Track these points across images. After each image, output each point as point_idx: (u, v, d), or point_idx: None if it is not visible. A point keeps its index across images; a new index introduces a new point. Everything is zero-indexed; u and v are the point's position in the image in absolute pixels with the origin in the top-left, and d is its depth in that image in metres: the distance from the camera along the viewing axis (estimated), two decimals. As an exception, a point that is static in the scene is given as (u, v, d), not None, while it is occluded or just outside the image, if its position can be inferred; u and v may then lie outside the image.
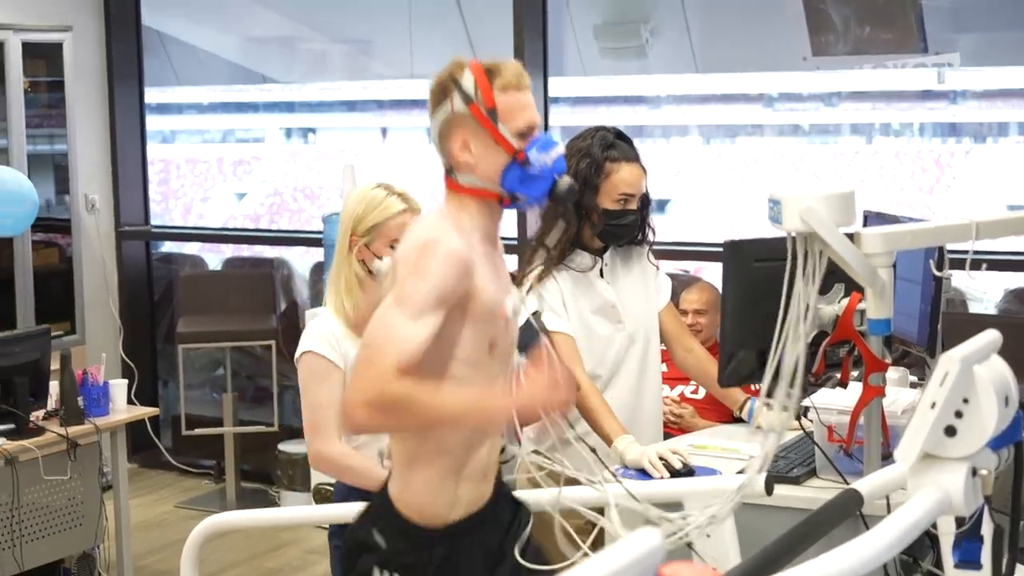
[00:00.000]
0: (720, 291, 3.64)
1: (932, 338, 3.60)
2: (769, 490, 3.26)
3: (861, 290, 3.03)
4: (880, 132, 20.88)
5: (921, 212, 18.83)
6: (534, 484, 2.96)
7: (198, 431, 7.46)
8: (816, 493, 3.37)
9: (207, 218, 19.66)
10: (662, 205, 19.63)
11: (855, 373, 3.25)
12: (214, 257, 9.40)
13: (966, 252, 2.98)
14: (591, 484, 2.90)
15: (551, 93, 7.00)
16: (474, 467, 2.80)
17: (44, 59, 7.22)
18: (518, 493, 3.00)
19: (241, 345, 7.54)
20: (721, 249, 3.44)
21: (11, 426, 5.35)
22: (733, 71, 13.23)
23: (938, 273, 3.23)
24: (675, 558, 1.60)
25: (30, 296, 7.03)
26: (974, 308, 6.73)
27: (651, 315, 4.15)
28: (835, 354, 3.23)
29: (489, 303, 2.71)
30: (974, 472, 2.14)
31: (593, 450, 3.14)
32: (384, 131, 20.61)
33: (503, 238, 2.88)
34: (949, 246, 3.20)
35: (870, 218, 4.01)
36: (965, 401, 2.12)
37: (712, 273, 6.05)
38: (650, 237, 4.14)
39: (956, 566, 2.27)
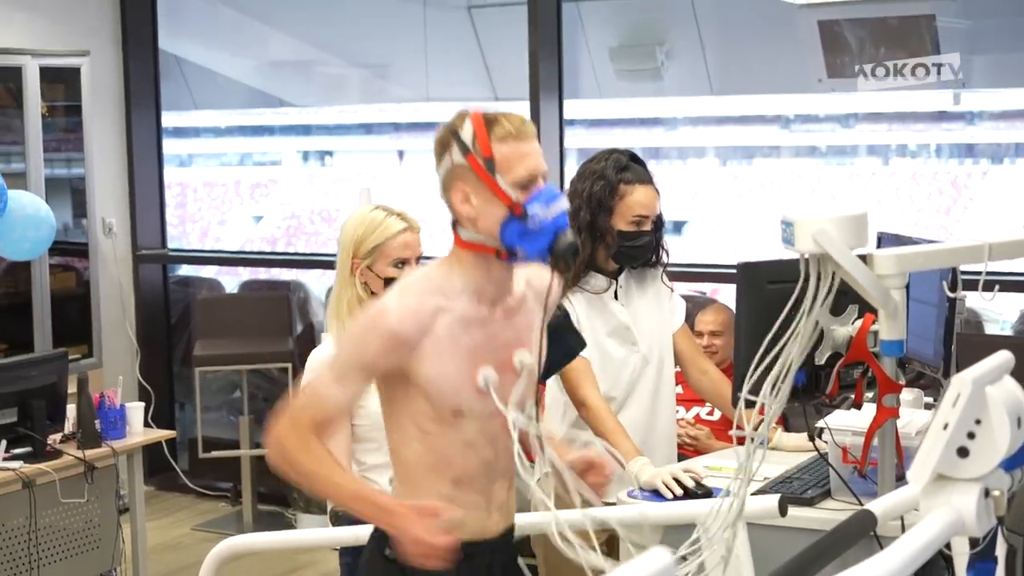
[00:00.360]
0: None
1: (946, 359, 3.60)
2: (783, 511, 3.26)
3: (875, 311, 3.03)
4: (897, 153, 20.86)
5: (938, 233, 18.82)
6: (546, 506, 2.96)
7: (215, 454, 7.46)
8: (830, 514, 3.37)
9: (224, 241, 19.70)
10: (679, 227, 19.61)
11: (869, 394, 3.25)
12: (231, 280, 9.43)
13: (980, 273, 2.98)
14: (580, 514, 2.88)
15: (566, 115, 7.00)
16: (469, 502, 2.78)
17: (62, 84, 7.25)
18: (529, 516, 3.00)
19: (258, 368, 7.55)
20: (735, 271, 3.44)
21: (28, 449, 5.37)
22: (748, 93, 13.23)
23: (951, 294, 3.24)
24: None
25: (47, 319, 7.06)
26: (990, 329, 6.72)
27: (665, 337, 4.15)
28: (849, 375, 3.23)
29: (442, 379, 2.67)
30: (987, 493, 2.14)
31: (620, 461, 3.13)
32: (401, 154, 20.65)
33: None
34: (964, 267, 3.20)
35: (885, 239, 4.01)
36: (977, 422, 2.12)
37: (728, 295, 6.06)
38: (664, 259, 4.15)
39: (970, 587, 2.28)
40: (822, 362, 3.20)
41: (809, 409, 3.36)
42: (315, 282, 8.66)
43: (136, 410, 5.88)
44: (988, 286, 3.03)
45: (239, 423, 7.45)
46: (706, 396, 4.37)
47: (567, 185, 4.25)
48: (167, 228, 8.23)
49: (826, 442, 3.54)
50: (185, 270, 8.94)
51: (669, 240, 4.19)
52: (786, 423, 4.24)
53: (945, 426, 2.10)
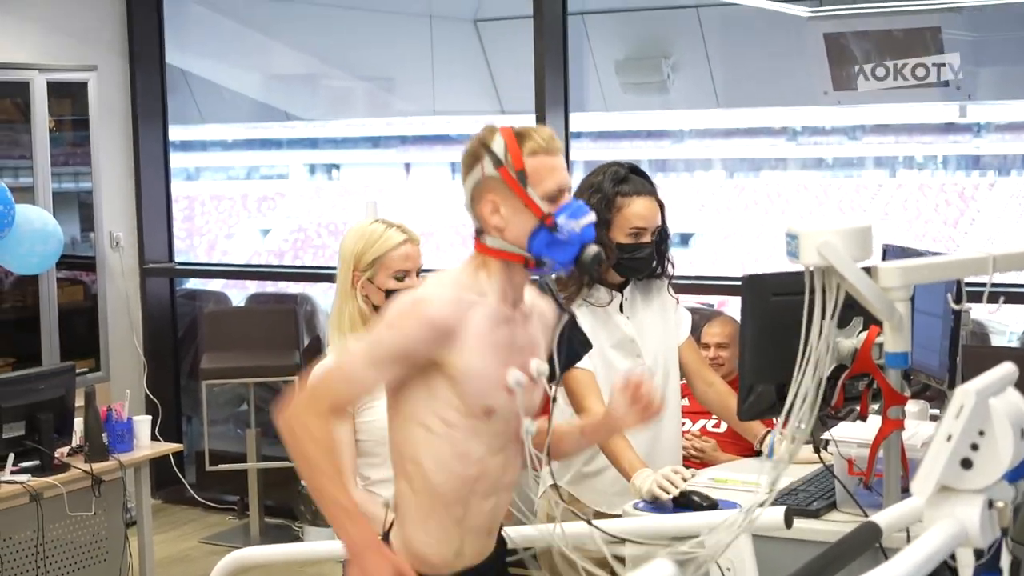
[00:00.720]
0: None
1: (952, 371, 3.60)
2: (789, 523, 3.26)
3: (880, 323, 3.03)
4: (904, 165, 20.88)
5: (945, 245, 18.83)
6: (551, 519, 2.98)
7: (222, 467, 7.47)
8: (836, 526, 3.36)
9: (232, 254, 19.74)
10: (686, 239, 19.65)
11: (874, 406, 3.25)
12: (238, 293, 9.45)
13: (985, 285, 2.99)
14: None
15: (573, 128, 7.02)
16: (478, 521, 2.82)
17: (69, 98, 7.28)
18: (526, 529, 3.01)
19: (265, 381, 7.56)
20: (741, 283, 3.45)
21: (36, 462, 5.38)
22: (755, 105, 13.27)
23: (955, 306, 3.24)
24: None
25: (55, 333, 7.07)
26: (996, 341, 6.72)
27: (671, 349, 4.16)
28: (854, 387, 3.23)
29: (476, 373, 2.70)
30: (991, 504, 2.14)
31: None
32: (407, 167, 20.69)
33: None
34: (970, 279, 3.20)
35: (890, 252, 4.01)
36: (981, 434, 2.12)
37: (735, 307, 6.07)
38: (669, 271, 4.15)
39: (975, 598, 2.28)
40: (827, 374, 3.21)
41: (815, 421, 3.36)
42: (322, 295, 8.68)
43: (143, 423, 5.89)
44: (993, 298, 3.03)
45: (246, 436, 7.46)
46: (712, 408, 4.36)
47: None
48: (174, 241, 8.24)
49: (831, 454, 3.54)
50: (192, 283, 8.96)
51: (676, 252, 4.19)
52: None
53: (948, 438, 2.11)
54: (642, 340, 4.08)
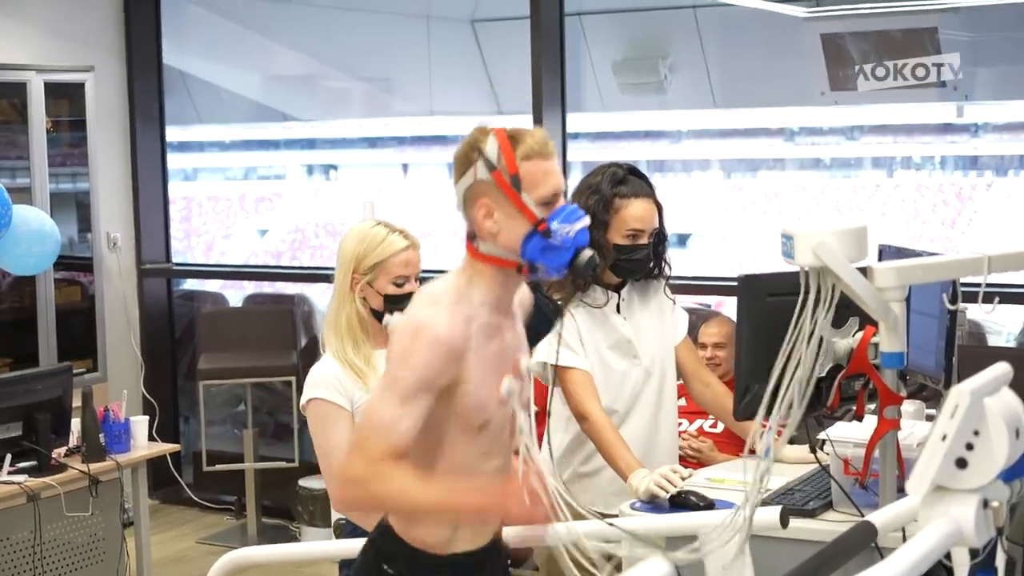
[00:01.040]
0: (737, 325, 3.66)
1: (948, 371, 3.60)
2: (785, 523, 3.26)
3: (875, 324, 3.03)
4: (901, 165, 20.86)
5: (943, 245, 18.82)
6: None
7: (219, 467, 7.48)
8: (832, 526, 3.37)
9: (229, 255, 19.72)
10: (683, 239, 19.65)
11: (870, 406, 3.26)
12: (236, 293, 9.45)
13: (980, 285, 2.99)
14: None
15: (570, 129, 7.02)
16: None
17: (66, 99, 7.28)
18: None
19: (262, 381, 7.57)
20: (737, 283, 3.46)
21: (33, 463, 5.38)
22: (752, 106, 13.26)
23: (951, 307, 3.24)
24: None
25: (52, 334, 7.07)
26: (993, 341, 6.73)
27: (667, 350, 4.16)
28: (850, 387, 3.24)
29: (476, 390, 2.69)
30: (986, 504, 2.15)
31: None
32: (405, 167, 20.68)
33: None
34: (966, 279, 3.20)
35: (887, 252, 4.02)
36: (976, 433, 2.13)
37: (732, 307, 6.08)
38: (667, 271, 4.16)
39: (970, 597, 2.28)
40: (823, 374, 3.21)
41: (810, 421, 3.36)
42: (320, 296, 8.68)
43: (140, 424, 5.89)
44: (988, 298, 3.04)
45: (243, 436, 7.47)
46: (709, 409, 4.37)
47: (568, 198, 4.26)
48: (171, 242, 8.24)
49: (827, 454, 3.54)
50: (189, 284, 8.95)
51: (673, 253, 4.20)
52: (788, 435, 4.25)
53: (943, 437, 2.11)
54: (639, 341, 4.09)
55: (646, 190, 4.03)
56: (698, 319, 5.27)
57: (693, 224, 19.82)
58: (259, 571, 6.47)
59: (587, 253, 2.70)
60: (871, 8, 6.86)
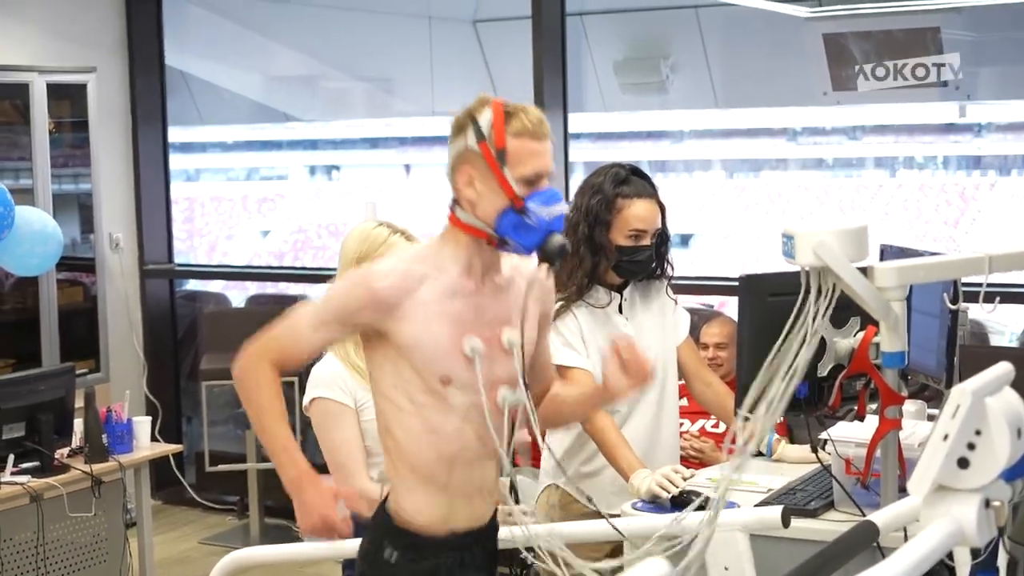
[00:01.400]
0: (740, 325, 3.66)
1: (949, 371, 3.60)
2: (786, 523, 3.26)
3: (876, 324, 3.03)
4: (904, 165, 20.87)
5: (946, 245, 18.82)
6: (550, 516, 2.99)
7: (221, 467, 7.48)
8: (833, 526, 3.37)
9: (232, 255, 19.74)
10: (685, 240, 19.65)
11: (872, 406, 3.26)
12: (238, 294, 9.46)
13: (981, 285, 2.99)
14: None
15: (572, 129, 7.02)
16: (463, 486, 2.84)
17: (69, 100, 7.28)
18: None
19: (264, 382, 7.56)
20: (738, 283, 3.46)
21: (36, 463, 5.39)
22: (754, 106, 13.26)
23: (952, 306, 3.24)
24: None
25: (55, 334, 7.07)
26: (995, 341, 6.72)
27: (669, 350, 4.16)
28: (852, 387, 3.24)
29: (428, 341, 2.74)
30: (987, 503, 2.14)
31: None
32: (407, 168, 20.69)
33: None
34: (967, 279, 3.20)
35: (889, 252, 4.01)
36: (977, 433, 2.12)
37: (735, 307, 6.08)
38: (669, 272, 4.16)
39: (972, 597, 2.28)
40: (825, 374, 3.21)
41: (812, 421, 3.37)
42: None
43: (143, 424, 5.89)
44: (989, 298, 3.04)
45: (245, 437, 7.46)
46: (710, 409, 4.37)
47: (571, 198, 4.26)
48: (174, 243, 8.25)
49: (829, 454, 3.54)
50: (192, 284, 8.96)
51: (675, 253, 4.19)
52: (790, 435, 4.25)
53: (945, 437, 2.11)
54: (641, 341, 4.07)
55: (649, 190, 4.02)
56: (700, 319, 5.27)
57: (695, 224, 19.82)
58: (261, 571, 6.47)
59: (559, 238, 2.72)
60: (873, 8, 6.86)
